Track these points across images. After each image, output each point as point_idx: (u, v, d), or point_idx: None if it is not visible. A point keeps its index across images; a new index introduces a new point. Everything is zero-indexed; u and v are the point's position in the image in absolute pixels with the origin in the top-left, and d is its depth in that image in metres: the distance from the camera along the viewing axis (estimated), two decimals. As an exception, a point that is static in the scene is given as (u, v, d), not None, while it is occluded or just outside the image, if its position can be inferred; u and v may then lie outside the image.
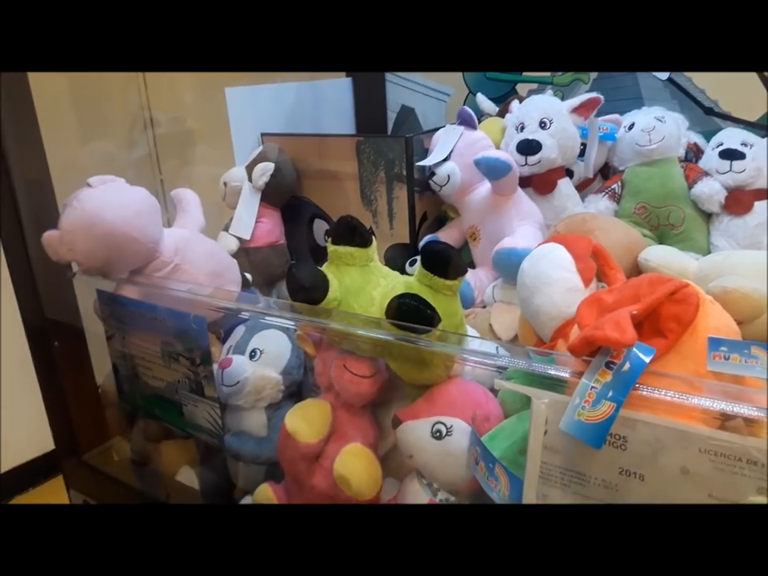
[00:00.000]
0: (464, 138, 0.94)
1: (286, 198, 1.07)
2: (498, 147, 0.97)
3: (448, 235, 0.99)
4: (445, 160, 0.93)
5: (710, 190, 0.88)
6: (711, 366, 0.45)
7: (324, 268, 0.65)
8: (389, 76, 1.35)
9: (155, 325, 0.75)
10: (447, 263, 0.59)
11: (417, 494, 0.63)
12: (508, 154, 0.87)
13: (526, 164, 0.92)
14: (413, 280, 0.61)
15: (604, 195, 0.94)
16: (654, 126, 0.91)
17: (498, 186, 0.87)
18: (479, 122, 1.00)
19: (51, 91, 1.03)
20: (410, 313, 0.58)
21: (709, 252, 0.89)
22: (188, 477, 0.83)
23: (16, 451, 1.37)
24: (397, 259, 1.00)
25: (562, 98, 1.05)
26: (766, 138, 0.90)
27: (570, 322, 0.56)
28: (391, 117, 1.38)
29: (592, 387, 0.45)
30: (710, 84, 1.03)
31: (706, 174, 0.90)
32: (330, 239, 0.65)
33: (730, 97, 1.02)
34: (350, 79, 1.33)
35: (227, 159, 1.08)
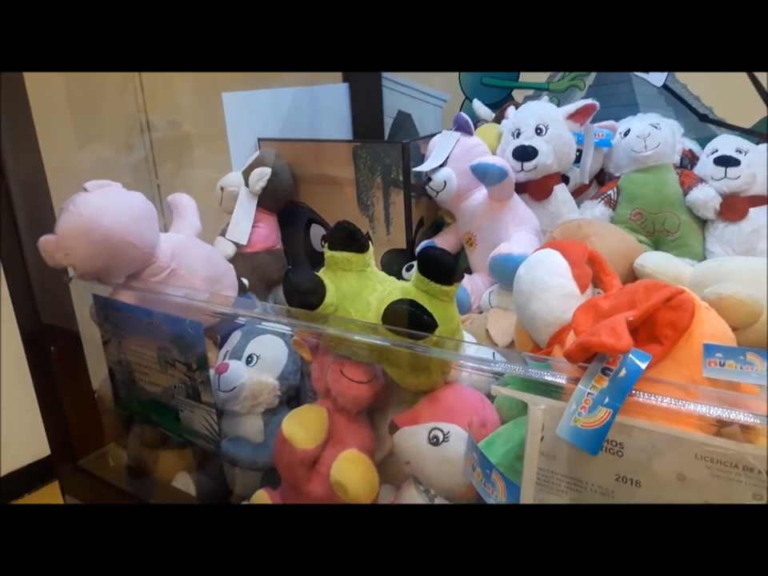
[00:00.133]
0: (460, 143, 0.95)
1: (283, 203, 1.07)
2: (494, 153, 0.98)
3: (444, 241, 1.00)
4: (441, 166, 0.94)
5: (705, 197, 0.88)
6: (707, 373, 0.45)
7: (321, 273, 0.65)
8: (386, 82, 1.36)
9: (151, 330, 0.75)
10: (444, 269, 0.59)
11: (414, 501, 0.63)
12: (504, 160, 0.87)
13: (522, 170, 0.92)
14: (409, 285, 0.61)
15: (600, 201, 0.95)
16: (650, 132, 0.92)
17: (494, 192, 0.88)
18: (475, 128, 1.00)
19: (47, 94, 1.03)
20: (407, 318, 0.58)
21: (704, 258, 0.89)
22: (185, 483, 0.83)
23: (12, 456, 1.36)
24: (393, 264, 1.00)
25: (558, 105, 1.06)
26: (760, 145, 0.91)
27: (566, 328, 0.56)
28: (388, 122, 1.39)
29: (588, 393, 0.45)
30: (705, 91, 1.03)
31: (701, 180, 0.90)
32: (327, 244, 0.65)
33: (725, 104, 1.02)
34: (347, 84, 1.33)
35: (224, 164, 1.08)
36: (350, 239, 0.64)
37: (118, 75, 1.20)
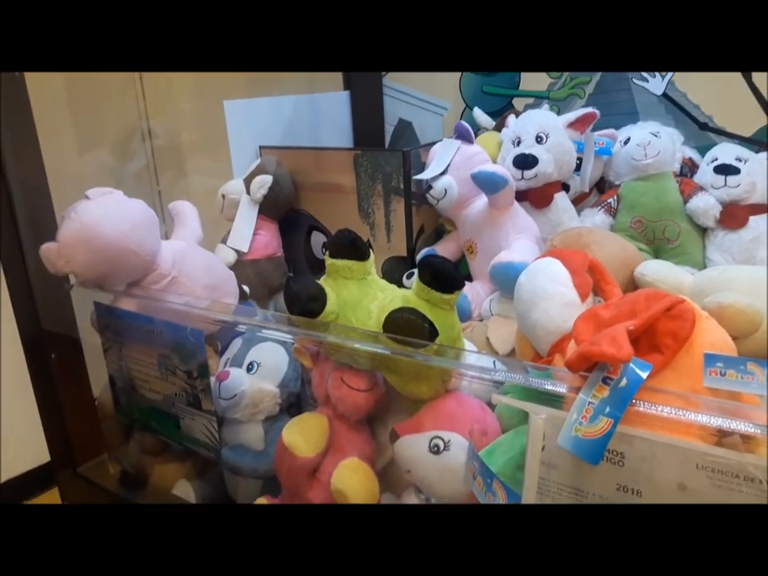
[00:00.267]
0: (461, 152, 0.95)
1: (284, 210, 1.07)
2: (494, 161, 0.98)
3: (445, 248, 1.00)
4: (442, 174, 0.94)
5: (705, 205, 0.88)
6: (708, 382, 0.45)
7: (322, 281, 0.65)
8: (386, 90, 1.36)
9: (152, 337, 0.75)
10: (445, 277, 0.59)
11: (414, 509, 0.63)
12: (504, 168, 0.88)
13: (522, 178, 0.92)
14: (410, 294, 0.62)
15: (600, 209, 0.95)
16: (650, 140, 0.92)
17: (495, 200, 0.88)
18: (476, 136, 1.01)
19: (49, 101, 1.03)
20: (408, 327, 0.58)
21: (704, 266, 0.89)
22: (185, 490, 0.83)
23: (11, 463, 1.36)
24: (394, 272, 1.00)
25: (558, 113, 1.06)
26: (760, 154, 0.91)
27: (567, 337, 0.56)
28: (389, 130, 1.39)
29: (589, 403, 0.45)
30: (705, 100, 1.04)
31: (701, 188, 0.91)
32: (328, 253, 0.65)
33: (725, 112, 1.03)
34: (348, 92, 1.34)
35: (225, 171, 1.08)
36: (350, 247, 0.64)
37: (119, 82, 1.20)
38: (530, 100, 1.20)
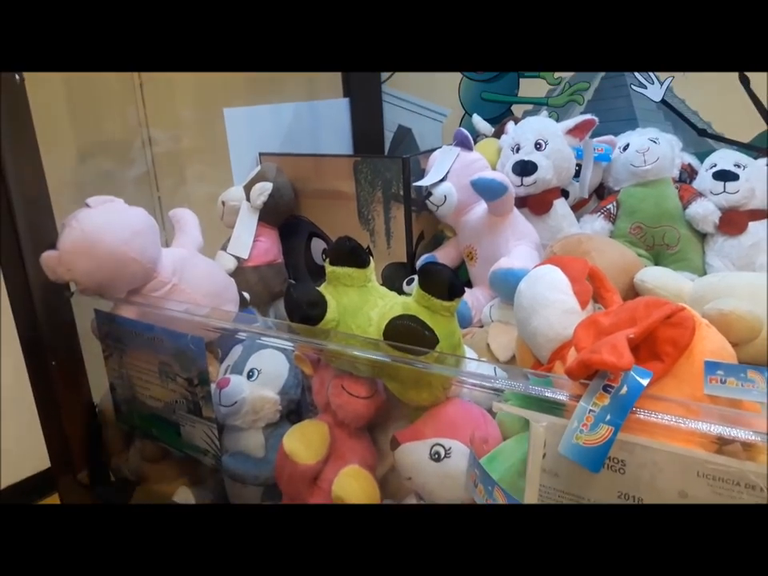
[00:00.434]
0: (460, 158, 0.95)
1: (284, 217, 1.07)
2: (493, 168, 0.98)
3: (445, 254, 1.00)
4: (441, 180, 0.94)
5: (705, 211, 0.89)
6: (708, 390, 0.45)
7: (322, 288, 0.66)
8: (386, 96, 1.37)
9: (153, 345, 0.75)
10: (445, 284, 0.59)
11: (415, 516, 0.63)
12: (504, 175, 0.88)
13: (521, 185, 0.93)
14: (410, 301, 0.62)
15: (599, 215, 0.95)
16: (649, 147, 0.93)
17: (494, 207, 0.88)
18: (475, 143, 1.01)
19: (49, 109, 1.03)
20: (408, 334, 0.58)
21: (704, 272, 0.90)
22: (185, 497, 0.83)
23: (10, 469, 1.36)
24: (394, 278, 1.01)
25: (557, 120, 1.06)
26: (758, 160, 0.91)
27: (567, 344, 0.56)
28: (388, 136, 1.40)
29: (590, 410, 0.45)
30: (704, 106, 1.04)
31: (700, 194, 0.91)
32: (328, 260, 0.65)
33: (724, 118, 1.03)
34: (348, 99, 1.34)
35: (225, 178, 1.08)
36: (351, 255, 0.65)
37: (119, 90, 1.21)
38: (529, 106, 1.21)
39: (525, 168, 0.92)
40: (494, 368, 0.65)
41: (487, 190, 0.86)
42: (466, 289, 0.85)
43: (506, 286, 0.75)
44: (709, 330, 0.50)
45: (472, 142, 0.98)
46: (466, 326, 0.86)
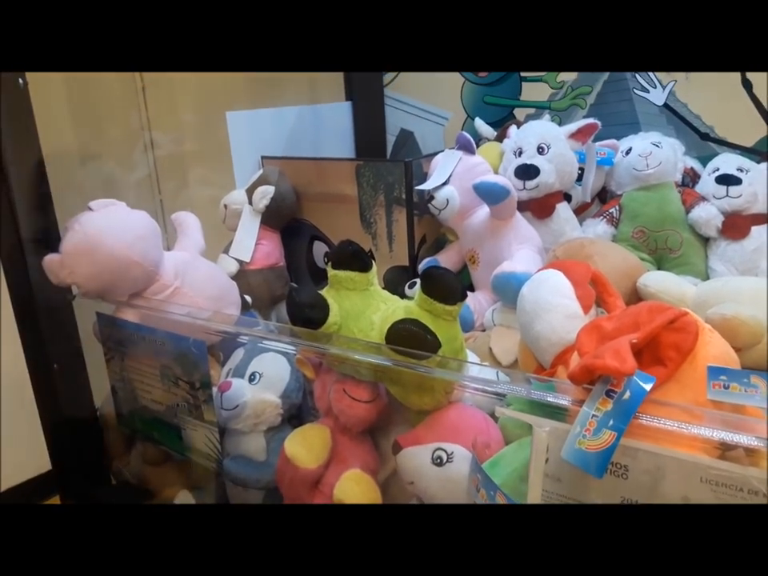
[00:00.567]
0: (463, 162, 0.95)
1: (286, 220, 1.07)
2: (496, 172, 0.98)
3: (447, 258, 1.00)
4: (444, 184, 0.94)
5: (707, 215, 0.89)
6: (711, 395, 0.45)
7: (324, 292, 0.65)
8: (388, 100, 1.37)
9: (155, 348, 0.75)
10: (447, 289, 0.59)
11: (417, 521, 0.62)
12: (506, 179, 0.88)
13: (524, 188, 0.93)
14: (413, 305, 0.62)
15: (602, 219, 0.95)
16: (651, 151, 0.93)
17: (497, 211, 0.88)
18: (477, 147, 1.01)
19: (51, 112, 1.04)
20: (411, 338, 0.58)
21: (707, 276, 0.89)
22: (186, 501, 0.83)
23: (11, 472, 1.36)
24: (396, 281, 1.00)
25: (560, 123, 1.07)
26: (761, 164, 0.91)
27: (570, 349, 0.56)
28: (390, 140, 1.40)
29: (593, 416, 0.45)
30: (706, 110, 1.04)
31: (703, 198, 0.91)
32: (330, 264, 0.65)
33: (726, 123, 1.03)
34: (350, 103, 1.34)
35: (227, 182, 1.08)
36: (353, 259, 0.65)
37: (122, 93, 1.21)
38: (531, 110, 1.21)
39: (527, 172, 0.92)
40: (497, 372, 0.65)
41: (490, 194, 0.86)
42: (468, 292, 0.85)
43: (509, 289, 0.75)
44: (712, 335, 0.49)
45: (474, 145, 0.98)
46: (469, 330, 0.86)
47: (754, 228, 0.88)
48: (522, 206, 0.93)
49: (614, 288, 0.61)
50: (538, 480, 0.48)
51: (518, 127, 1.02)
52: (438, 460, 0.59)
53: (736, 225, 0.89)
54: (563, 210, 0.95)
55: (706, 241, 0.92)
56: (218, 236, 1.02)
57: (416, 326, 0.58)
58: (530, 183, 0.92)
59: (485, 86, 1.26)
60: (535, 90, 1.20)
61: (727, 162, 0.92)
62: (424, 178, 0.99)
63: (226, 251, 1.00)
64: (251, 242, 1.01)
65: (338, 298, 0.65)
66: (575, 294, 0.58)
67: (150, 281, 0.77)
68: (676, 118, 1.06)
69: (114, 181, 1.20)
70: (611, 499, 0.46)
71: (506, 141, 1.02)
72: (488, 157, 0.99)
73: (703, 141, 1.05)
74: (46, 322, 0.83)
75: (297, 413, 0.80)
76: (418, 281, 0.63)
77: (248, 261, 1.00)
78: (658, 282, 0.72)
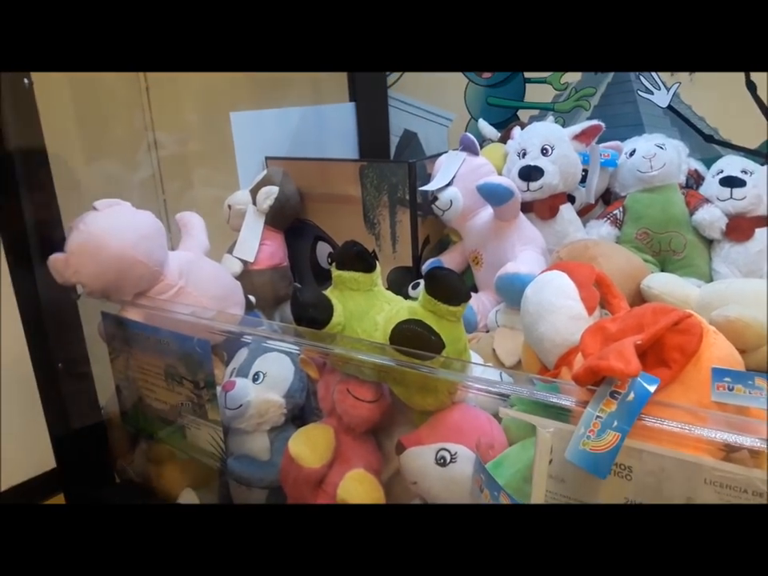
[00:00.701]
0: (466, 163, 0.95)
1: (290, 221, 1.08)
2: (499, 173, 0.98)
3: (450, 259, 1.00)
4: (447, 185, 0.94)
5: (711, 217, 0.88)
6: (715, 397, 0.45)
7: (328, 292, 0.66)
8: (391, 101, 1.37)
9: (159, 347, 0.76)
10: (451, 289, 0.59)
11: (420, 521, 0.63)
12: (510, 180, 0.88)
13: (527, 190, 0.93)
14: (417, 305, 0.62)
15: (606, 221, 0.95)
16: (655, 152, 0.93)
17: (500, 212, 0.88)
18: (481, 148, 1.01)
19: (56, 112, 1.04)
20: (415, 338, 0.58)
21: (710, 278, 0.89)
22: (190, 500, 0.83)
23: (14, 470, 1.36)
24: (399, 282, 1.01)
25: (564, 125, 1.07)
26: (765, 166, 0.91)
27: (574, 350, 0.56)
28: (394, 141, 1.40)
29: (597, 417, 0.45)
30: (710, 112, 1.04)
31: (707, 200, 0.91)
32: (334, 264, 0.66)
33: (730, 125, 1.03)
34: (353, 104, 1.34)
35: (231, 182, 1.09)
36: (357, 259, 0.65)
37: (125, 94, 1.21)
38: (535, 112, 1.21)
39: (531, 173, 0.92)
40: (500, 373, 0.65)
41: (493, 195, 0.86)
42: (471, 294, 0.85)
43: (513, 290, 0.75)
44: (716, 337, 0.50)
45: (478, 146, 0.98)
46: (472, 331, 0.86)
47: (757, 230, 0.88)
48: (526, 207, 0.93)
49: (618, 289, 0.61)
50: (541, 481, 0.48)
51: (522, 128, 1.02)
52: (442, 460, 0.59)
53: (740, 227, 0.88)
54: (567, 211, 0.95)
55: (709, 243, 0.92)
56: (222, 236, 1.03)
57: (420, 327, 0.58)
58: (534, 184, 0.92)
59: (488, 87, 1.26)
60: (539, 91, 1.20)
61: (731, 164, 0.92)
62: (428, 178, 0.99)
63: (230, 251, 1.00)
64: (255, 243, 1.01)
65: (342, 298, 0.65)
66: (579, 295, 0.58)
67: (154, 280, 0.77)
68: (680, 120, 1.06)
69: (118, 181, 1.21)
70: (615, 500, 0.46)
71: (509, 142, 1.02)
72: (492, 158, 0.99)
73: (707, 143, 1.05)
74: (51, 321, 0.83)
75: (300, 413, 0.80)
76: (422, 281, 0.63)
77: (252, 261, 1.00)
78: (662, 283, 0.72)
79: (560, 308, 0.58)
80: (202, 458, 0.77)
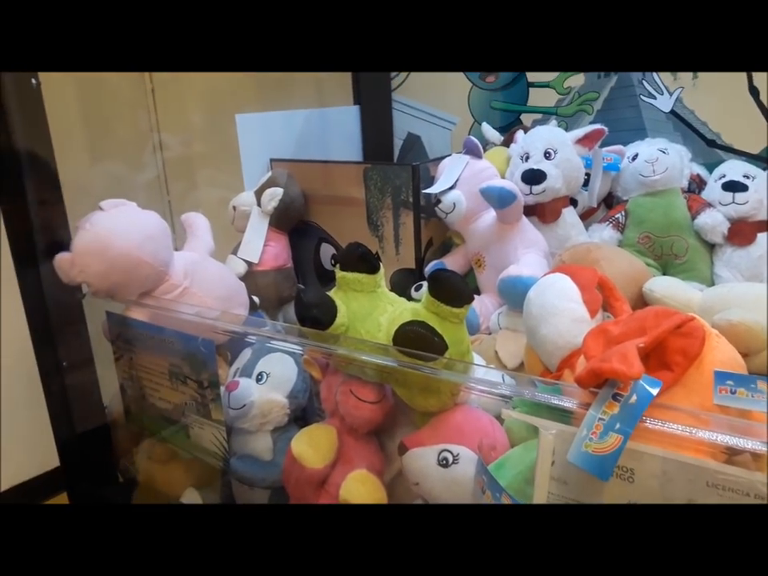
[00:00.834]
0: (470, 166, 0.96)
1: (294, 222, 1.08)
2: (502, 176, 0.98)
3: (453, 261, 1.00)
4: (451, 188, 0.95)
5: (713, 222, 0.89)
6: (718, 400, 0.45)
7: (332, 293, 0.66)
8: (396, 104, 1.38)
9: (163, 347, 0.76)
10: (454, 291, 0.59)
11: (422, 522, 0.63)
12: (513, 184, 0.88)
13: (530, 193, 0.93)
14: (420, 307, 0.62)
15: (608, 224, 0.96)
16: (658, 157, 0.93)
17: (503, 215, 0.89)
18: (484, 151, 1.01)
19: (62, 114, 1.04)
20: (418, 340, 0.58)
21: (712, 282, 0.90)
22: (193, 499, 0.83)
23: (17, 469, 1.36)
24: (402, 284, 1.01)
25: (566, 129, 1.07)
26: (767, 171, 0.91)
27: (577, 353, 0.57)
28: (398, 144, 1.41)
29: (599, 419, 0.45)
30: (713, 117, 1.04)
31: (709, 205, 0.91)
32: (338, 265, 0.66)
33: (733, 129, 1.03)
34: (358, 107, 1.35)
35: (236, 184, 1.09)
36: (361, 260, 0.65)
37: (131, 95, 1.22)
38: (538, 116, 1.21)
39: (534, 177, 0.93)
40: (503, 375, 0.65)
41: (496, 198, 0.87)
42: (474, 296, 0.85)
43: (515, 293, 0.76)
44: (719, 340, 0.50)
45: (481, 150, 0.98)
46: (474, 333, 0.87)
47: (759, 235, 0.88)
48: (529, 211, 0.93)
49: (621, 293, 0.62)
50: (543, 483, 0.49)
51: (525, 132, 1.02)
52: (444, 461, 0.60)
53: (742, 231, 0.89)
54: (569, 214, 0.96)
55: (711, 247, 0.92)
56: (226, 237, 1.03)
57: (423, 328, 0.58)
58: (537, 188, 0.93)
59: (492, 91, 1.26)
60: (542, 95, 1.20)
61: (733, 168, 0.93)
62: (431, 181, 0.99)
63: (235, 252, 1.01)
64: (259, 244, 1.01)
65: (346, 299, 0.65)
66: (582, 298, 0.59)
67: (159, 280, 0.78)
68: (683, 125, 1.07)
69: (124, 182, 1.21)
70: (617, 502, 0.46)
71: (512, 146, 1.02)
72: (495, 161, 0.99)
73: (710, 147, 1.05)
74: (56, 320, 0.83)
75: (303, 413, 0.80)
76: (425, 283, 0.64)
77: (256, 262, 1.01)
78: (664, 287, 0.72)
79: (563, 311, 0.58)
80: (205, 458, 0.77)
